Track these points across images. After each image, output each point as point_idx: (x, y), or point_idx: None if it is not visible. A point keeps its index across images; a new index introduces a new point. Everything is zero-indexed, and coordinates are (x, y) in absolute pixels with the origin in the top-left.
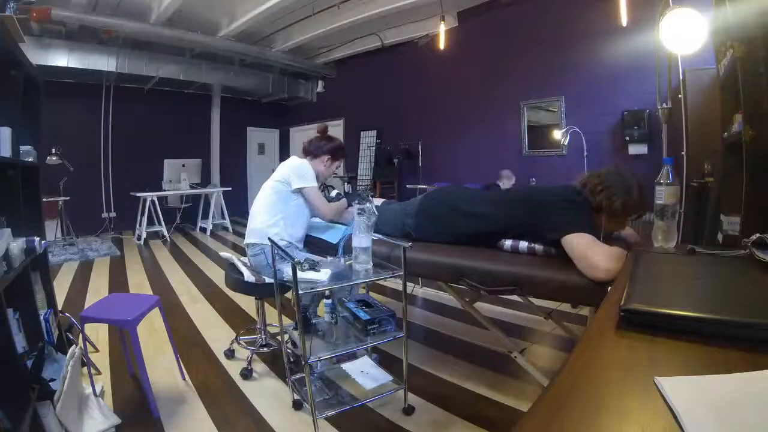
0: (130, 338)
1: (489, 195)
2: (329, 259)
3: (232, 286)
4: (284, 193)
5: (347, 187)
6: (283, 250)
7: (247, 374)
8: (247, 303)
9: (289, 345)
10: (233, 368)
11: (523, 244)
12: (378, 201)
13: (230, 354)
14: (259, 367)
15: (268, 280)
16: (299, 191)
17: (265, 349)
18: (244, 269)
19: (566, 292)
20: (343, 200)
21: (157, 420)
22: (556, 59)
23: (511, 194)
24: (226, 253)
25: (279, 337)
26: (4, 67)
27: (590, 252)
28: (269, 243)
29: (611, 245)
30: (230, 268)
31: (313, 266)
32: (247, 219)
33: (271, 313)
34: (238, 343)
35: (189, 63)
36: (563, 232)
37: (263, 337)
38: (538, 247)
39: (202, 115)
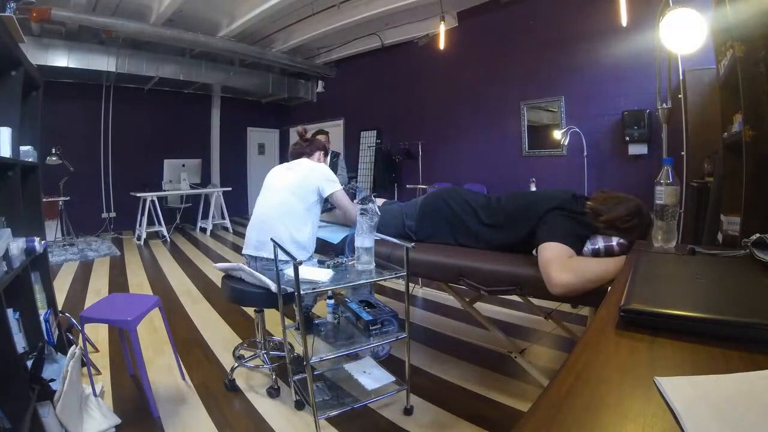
0: (130, 338)
1: (491, 198)
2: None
3: (238, 298)
4: (310, 202)
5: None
6: (282, 249)
7: (273, 393)
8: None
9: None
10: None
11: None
12: (379, 201)
13: (230, 385)
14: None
15: (290, 289)
16: (331, 197)
17: (270, 366)
18: (266, 279)
19: None
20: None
21: (157, 420)
22: (556, 59)
23: (512, 199)
24: (225, 264)
25: (281, 338)
26: (4, 67)
27: (547, 265)
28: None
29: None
30: (230, 279)
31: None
32: (247, 219)
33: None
34: (241, 363)
35: (189, 63)
36: (539, 241)
37: (264, 351)
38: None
39: (202, 115)
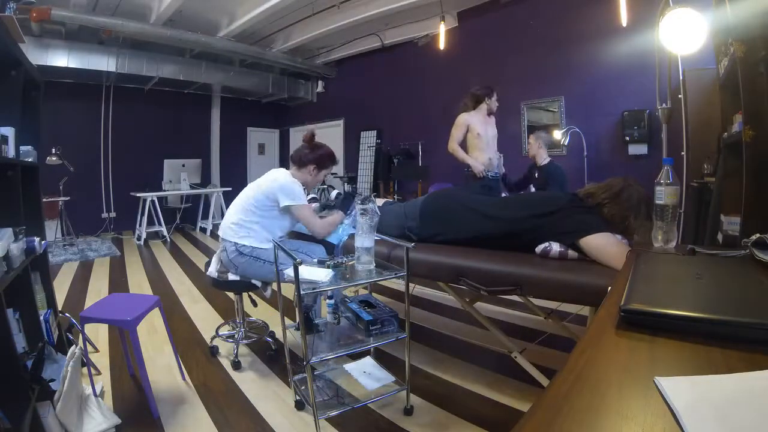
0: (130, 338)
1: (491, 199)
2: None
3: (218, 284)
4: (265, 207)
5: (347, 187)
6: (284, 249)
7: (237, 364)
8: (247, 302)
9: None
10: (233, 368)
11: (555, 249)
12: (380, 201)
13: (215, 350)
14: (259, 365)
15: (231, 277)
16: (287, 209)
17: (245, 341)
18: (212, 263)
19: (566, 292)
20: (338, 215)
21: (157, 420)
22: (556, 59)
23: (514, 199)
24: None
25: (281, 336)
26: (4, 67)
27: (617, 256)
28: (231, 242)
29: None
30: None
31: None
32: None
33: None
34: (218, 336)
35: (189, 63)
36: (582, 233)
37: (242, 330)
38: (572, 252)
39: (202, 115)
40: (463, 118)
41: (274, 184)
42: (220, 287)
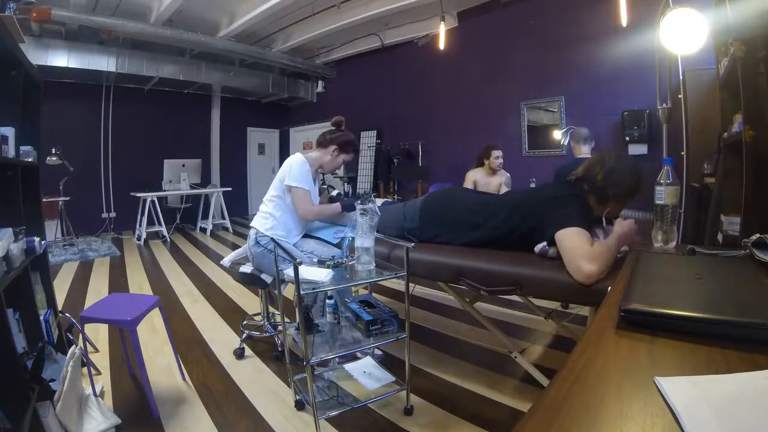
0: (130, 338)
1: (491, 199)
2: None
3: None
4: (281, 191)
5: (347, 188)
6: (282, 248)
7: (240, 353)
8: (247, 303)
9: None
10: (234, 368)
11: (553, 249)
12: (380, 201)
13: (240, 354)
14: (260, 365)
15: (242, 269)
16: (289, 189)
17: (267, 334)
18: (233, 252)
19: (566, 292)
20: (336, 205)
21: (157, 420)
22: (556, 59)
23: (510, 197)
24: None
25: (281, 336)
26: (4, 67)
27: (576, 252)
28: (257, 230)
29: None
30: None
31: (338, 265)
32: (247, 219)
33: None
34: (244, 334)
35: (189, 63)
36: (557, 227)
37: (266, 324)
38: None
39: (202, 115)
40: (470, 175)
41: (285, 167)
42: (239, 280)
